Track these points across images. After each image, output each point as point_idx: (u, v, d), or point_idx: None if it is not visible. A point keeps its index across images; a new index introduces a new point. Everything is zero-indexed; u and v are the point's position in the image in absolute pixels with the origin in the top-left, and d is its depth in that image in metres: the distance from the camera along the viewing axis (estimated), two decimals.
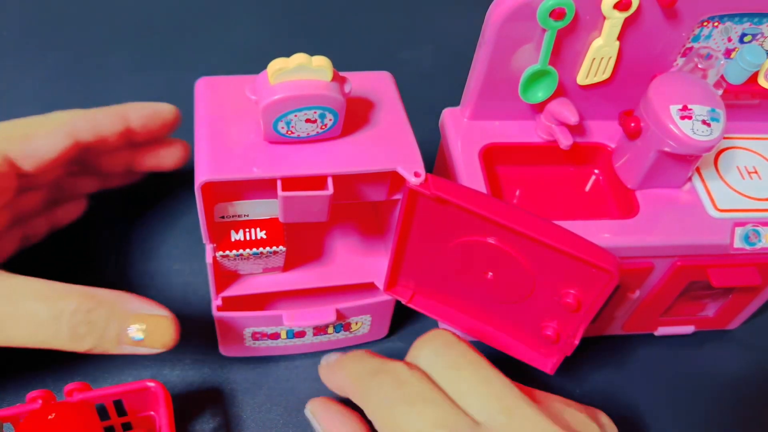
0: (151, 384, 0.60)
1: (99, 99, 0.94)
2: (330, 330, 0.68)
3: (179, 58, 1.00)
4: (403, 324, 0.75)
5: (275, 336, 0.64)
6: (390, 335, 0.74)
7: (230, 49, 1.02)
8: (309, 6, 1.11)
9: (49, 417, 0.55)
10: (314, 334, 0.68)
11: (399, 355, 0.70)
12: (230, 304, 0.67)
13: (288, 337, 0.65)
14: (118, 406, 0.62)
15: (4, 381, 0.67)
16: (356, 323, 0.66)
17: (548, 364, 0.65)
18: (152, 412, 0.63)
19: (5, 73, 0.95)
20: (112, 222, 0.81)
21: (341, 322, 0.66)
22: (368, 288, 0.72)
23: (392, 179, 0.60)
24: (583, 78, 0.64)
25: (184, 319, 0.74)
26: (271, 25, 1.07)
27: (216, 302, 0.61)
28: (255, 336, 0.63)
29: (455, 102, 0.69)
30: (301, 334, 0.67)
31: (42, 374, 0.68)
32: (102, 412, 0.60)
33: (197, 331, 0.72)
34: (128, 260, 0.78)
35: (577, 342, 0.60)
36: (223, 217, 0.62)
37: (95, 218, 0.81)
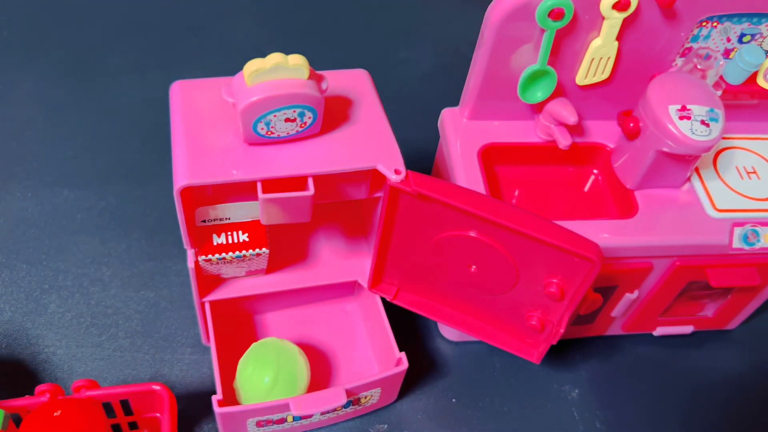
0: (157, 387, 0.60)
1: (98, 99, 0.95)
2: (339, 408, 0.65)
3: (178, 58, 1.00)
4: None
5: (281, 421, 0.63)
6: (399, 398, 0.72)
7: (229, 50, 1.02)
8: (307, 6, 1.11)
9: (55, 414, 0.55)
10: (322, 413, 0.65)
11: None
12: (217, 309, 0.67)
13: (295, 420, 0.64)
14: (125, 405, 0.62)
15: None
16: (366, 397, 0.65)
17: (534, 354, 0.65)
18: (158, 414, 0.63)
19: (5, 73, 0.95)
20: (111, 223, 0.81)
21: (351, 399, 0.64)
22: (351, 286, 0.72)
23: (373, 177, 0.60)
24: (582, 78, 0.64)
25: (183, 318, 0.74)
26: (270, 25, 1.07)
27: (217, 397, 0.59)
28: (260, 424, 0.62)
29: (454, 102, 0.69)
30: (308, 414, 0.64)
31: (50, 367, 0.69)
32: (107, 409, 0.61)
33: (196, 330, 0.73)
34: (128, 261, 0.78)
35: (562, 330, 0.60)
36: (204, 221, 0.62)
37: (96, 219, 0.81)
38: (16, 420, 0.60)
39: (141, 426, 0.64)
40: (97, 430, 0.56)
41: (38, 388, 0.57)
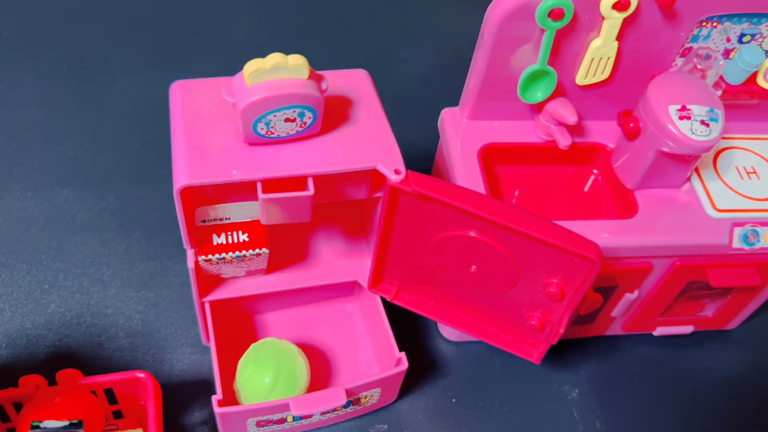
0: (141, 375, 0.61)
1: (99, 99, 0.95)
2: (339, 408, 0.65)
3: (178, 58, 1.00)
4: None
5: (281, 421, 0.63)
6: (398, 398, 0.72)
7: (229, 50, 1.02)
8: (308, 6, 1.11)
9: (56, 400, 0.56)
10: (322, 413, 0.65)
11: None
12: (217, 309, 0.67)
13: (295, 420, 0.64)
14: (110, 394, 0.62)
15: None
16: (366, 397, 0.65)
17: (534, 354, 0.65)
18: (143, 402, 0.64)
19: (5, 73, 0.95)
20: (111, 223, 0.81)
21: (351, 399, 0.64)
22: (351, 286, 0.72)
23: (373, 177, 0.60)
24: (581, 78, 0.64)
25: (183, 318, 0.74)
26: (270, 25, 1.07)
27: (217, 397, 0.59)
28: (260, 424, 0.62)
29: (454, 102, 0.69)
30: (308, 414, 0.64)
31: (50, 368, 0.69)
32: None
33: (196, 330, 0.73)
34: (128, 261, 0.78)
35: (562, 330, 0.60)
36: (204, 221, 0.62)
37: (96, 219, 0.81)
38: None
39: (126, 415, 0.64)
40: (95, 416, 0.57)
41: (22, 380, 0.57)
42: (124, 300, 0.75)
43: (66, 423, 0.55)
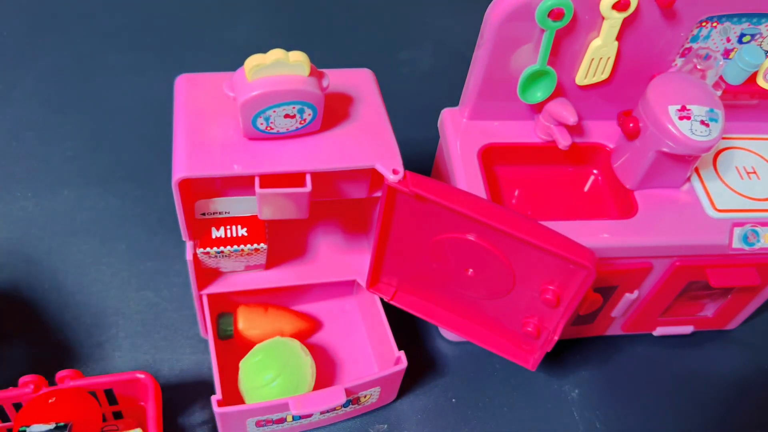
0: (141, 375, 0.61)
1: (99, 99, 0.95)
2: (338, 407, 0.65)
3: (179, 58, 1.00)
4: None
5: (281, 421, 0.63)
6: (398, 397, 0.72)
7: (230, 50, 1.02)
8: (308, 6, 1.11)
9: (50, 401, 0.56)
10: (322, 413, 0.65)
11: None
12: (215, 303, 0.67)
13: (294, 420, 0.64)
14: (110, 395, 0.62)
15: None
16: (365, 396, 0.65)
17: (530, 360, 0.65)
18: (142, 403, 0.64)
19: (5, 73, 0.95)
20: (111, 223, 0.81)
21: (350, 398, 0.64)
22: (351, 284, 0.72)
23: (373, 176, 0.60)
24: (581, 78, 0.64)
25: (183, 318, 0.74)
26: (271, 24, 1.07)
27: (216, 397, 0.59)
28: (259, 423, 0.62)
29: (454, 102, 0.69)
30: (308, 414, 0.64)
31: (50, 368, 0.69)
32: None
33: (196, 330, 0.73)
34: (128, 261, 0.78)
35: (556, 338, 0.60)
36: (204, 214, 0.62)
37: (96, 219, 0.81)
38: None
39: (126, 415, 0.64)
40: (91, 416, 0.56)
41: (22, 380, 0.57)
42: (124, 300, 0.75)
43: (52, 426, 0.54)
